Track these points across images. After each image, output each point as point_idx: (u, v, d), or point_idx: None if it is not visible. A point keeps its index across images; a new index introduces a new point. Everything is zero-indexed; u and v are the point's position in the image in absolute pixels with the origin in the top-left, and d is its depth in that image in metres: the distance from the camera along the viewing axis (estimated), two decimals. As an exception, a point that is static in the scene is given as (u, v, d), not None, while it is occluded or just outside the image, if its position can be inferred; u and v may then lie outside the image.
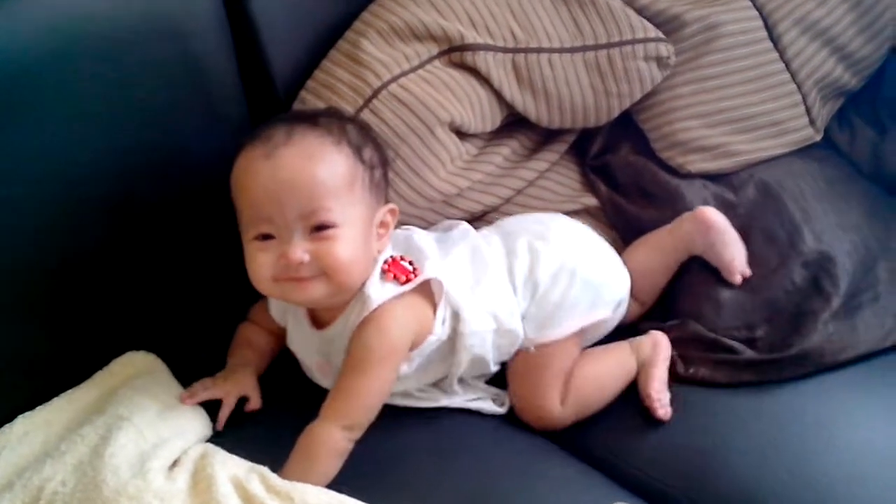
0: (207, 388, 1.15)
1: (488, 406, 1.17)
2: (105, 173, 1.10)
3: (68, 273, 1.12)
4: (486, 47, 1.26)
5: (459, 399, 1.16)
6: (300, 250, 1.01)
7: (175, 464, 1.04)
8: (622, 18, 1.30)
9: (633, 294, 1.26)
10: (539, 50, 1.28)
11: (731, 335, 1.20)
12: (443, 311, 1.11)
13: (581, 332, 1.18)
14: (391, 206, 1.12)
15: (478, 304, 1.13)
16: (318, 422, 1.06)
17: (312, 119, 1.08)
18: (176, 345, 1.21)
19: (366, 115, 1.20)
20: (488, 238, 1.20)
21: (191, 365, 1.19)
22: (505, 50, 1.27)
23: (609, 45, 1.29)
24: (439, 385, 1.16)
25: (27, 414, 1.11)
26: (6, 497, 1.01)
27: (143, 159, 1.12)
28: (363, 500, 0.99)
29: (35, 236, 1.07)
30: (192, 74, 1.15)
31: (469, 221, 1.28)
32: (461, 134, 1.26)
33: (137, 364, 1.19)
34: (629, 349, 1.20)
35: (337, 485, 1.02)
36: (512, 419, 1.18)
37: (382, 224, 1.10)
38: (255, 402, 1.15)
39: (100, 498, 0.98)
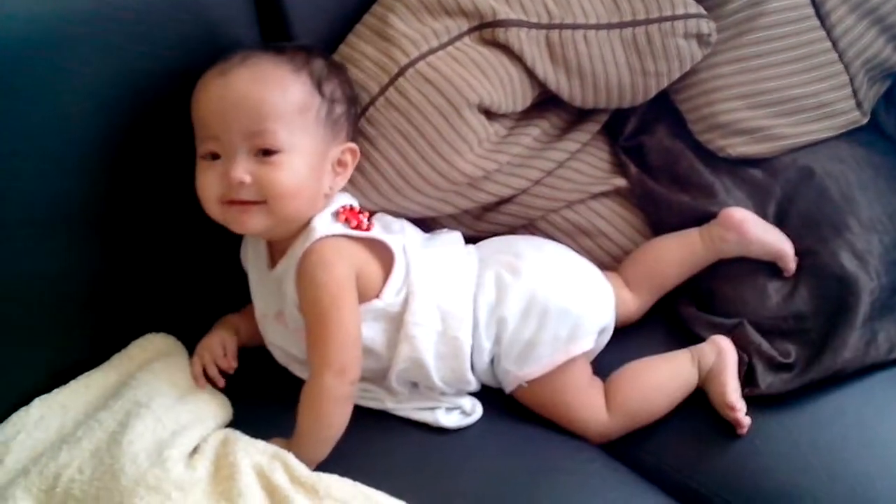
0: (195, 364, 1.14)
1: (441, 419, 1.11)
2: (126, 147, 1.09)
3: (86, 252, 1.10)
4: (520, 23, 1.21)
5: (406, 404, 1.12)
6: (241, 170, 1.02)
7: (195, 451, 1.02)
8: (662, -7, 1.24)
9: (632, 283, 1.23)
10: (574, 26, 1.22)
11: (779, 327, 1.16)
12: (399, 282, 1.10)
13: (573, 359, 1.13)
14: (351, 145, 1.11)
15: (432, 299, 1.10)
16: (311, 378, 1.06)
17: (278, 48, 1.08)
18: (194, 327, 1.19)
19: (391, 94, 1.16)
20: (470, 256, 1.18)
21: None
22: (539, 26, 1.22)
23: (647, 22, 1.24)
24: (385, 384, 1.12)
25: (44, 397, 1.09)
26: (22, 483, 1.00)
27: (164, 133, 1.10)
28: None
29: (48, 208, 1.05)
30: (214, 46, 1.11)
31: (497, 205, 1.26)
32: (490, 114, 1.22)
33: (156, 347, 1.17)
34: (689, 358, 1.15)
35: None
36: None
37: (340, 163, 1.10)
38: (229, 352, 1.15)
39: (118, 487, 0.97)
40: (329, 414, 1.04)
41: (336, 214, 1.09)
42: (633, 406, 1.13)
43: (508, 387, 1.15)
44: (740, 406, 1.09)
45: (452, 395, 1.13)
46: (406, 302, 1.09)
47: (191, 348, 1.17)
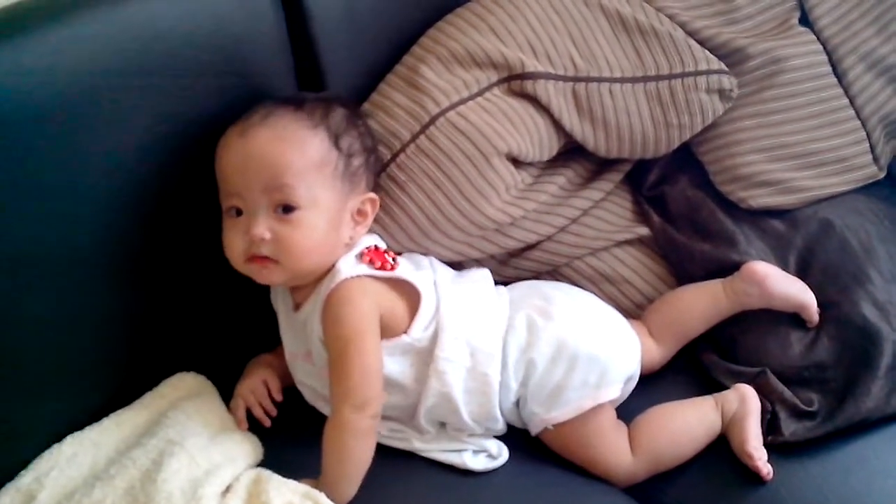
0: (239, 406, 1.15)
1: (468, 461, 1.11)
2: (157, 187, 1.11)
3: (118, 292, 1.12)
4: (547, 76, 1.24)
5: (435, 447, 1.13)
6: (263, 227, 1.05)
7: (227, 490, 1.03)
8: (685, 49, 1.28)
9: (655, 332, 1.24)
10: (600, 79, 1.26)
11: (801, 376, 1.18)
12: (428, 317, 1.12)
13: (600, 406, 1.14)
14: (371, 195, 1.13)
15: (462, 335, 1.12)
16: (332, 413, 1.07)
17: (298, 102, 1.11)
18: (224, 366, 1.20)
19: (422, 141, 1.19)
20: (500, 296, 1.20)
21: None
22: (566, 79, 1.25)
23: (671, 77, 1.27)
24: (412, 422, 1.14)
25: (76, 434, 1.10)
26: (56, 520, 1.00)
27: (196, 177, 1.12)
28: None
29: (85, 250, 1.07)
30: (252, 96, 1.13)
31: (522, 251, 1.28)
32: (517, 163, 1.24)
33: (187, 385, 1.18)
34: (713, 404, 1.16)
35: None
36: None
37: (360, 213, 1.12)
38: (273, 389, 1.17)
39: (152, 525, 0.97)
40: (350, 448, 1.05)
41: (360, 256, 1.11)
42: (658, 449, 1.14)
43: (535, 429, 1.16)
44: (759, 455, 1.10)
45: (479, 435, 1.15)
46: (435, 337, 1.11)
47: (220, 387, 1.18)
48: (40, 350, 1.07)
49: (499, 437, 1.16)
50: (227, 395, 1.17)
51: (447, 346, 1.11)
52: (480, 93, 1.23)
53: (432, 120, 1.20)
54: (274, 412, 1.16)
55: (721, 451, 1.14)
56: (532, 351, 1.14)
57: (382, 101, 1.23)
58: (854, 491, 1.07)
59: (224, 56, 1.11)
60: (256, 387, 1.17)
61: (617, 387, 1.16)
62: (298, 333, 1.15)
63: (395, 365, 1.11)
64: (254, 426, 1.14)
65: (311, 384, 1.16)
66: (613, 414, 1.18)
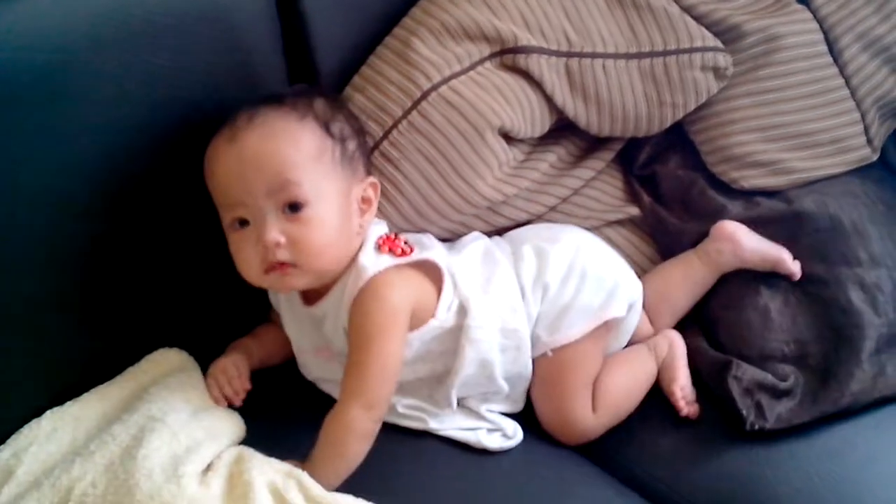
0: (212, 386, 1.13)
1: (483, 440, 1.11)
2: (143, 162, 1.09)
3: (101, 265, 1.10)
4: (540, 50, 1.22)
5: (450, 424, 1.12)
6: (275, 231, 1.01)
7: (208, 468, 1.01)
8: (680, 26, 1.26)
9: (649, 313, 1.25)
10: (593, 55, 1.24)
11: (781, 351, 1.18)
12: (449, 298, 1.10)
13: (599, 336, 1.16)
14: (371, 179, 1.11)
15: (487, 300, 1.12)
16: (338, 405, 1.05)
17: (278, 99, 1.07)
18: (206, 343, 1.19)
19: (414, 117, 1.17)
20: (499, 243, 1.20)
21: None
22: (559, 54, 1.23)
23: (665, 53, 1.26)
24: (435, 397, 1.13)
25: (55, 409, 1.08)
26: (34, 496, 0.99)
27: (184, 149, 1.09)
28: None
29: (70, 225, 1.05)
30: (238, 66, 1.12)
31: (512, 229, 1.26)
32: (509, 139, 1.23)
33: (169, 361, 1.16)
34: (647, 350, 1.21)
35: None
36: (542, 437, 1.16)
37: (364, 200, 1.10)
38: (242, 374, 1.14)
39: (132, 502, 0.96)
40: (348, 446, 1.04)
41: (378, 247, 1.09)
42: (615, 399, 1.17)
43: (534, 353, 1.16)
44: (683, 394, 1.17)
45: (496, 412, 1.15)
46: (460, 313, 1.11)
47: (203, 364, 1.16)
48: (21, 326, 1.05)
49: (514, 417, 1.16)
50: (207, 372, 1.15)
51: (476, 315, 1.10)
52: (472, 66, 1.21)
53: (424, 95, 1.18)
54: (241, 392, 1.12)
55: (715, 438, 1.14)
56: (545, 275, 1.15)
57: (373, 76, 1.21)
58: (842, 475, 1.07)
59: (209, 29, 1.08)
60: (227, 367, 1.14)
61: (621, 306, 1.17)
62: (309, 328, 1.13)
63: (423, 349, 1.10)
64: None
65: (327, 377, 1.15)
66: (601, 363, 1.18)
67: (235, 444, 1.07)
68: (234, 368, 1.14)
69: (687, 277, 1.26)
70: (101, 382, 1.12)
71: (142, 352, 1.16)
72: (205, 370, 1.16)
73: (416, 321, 1.08)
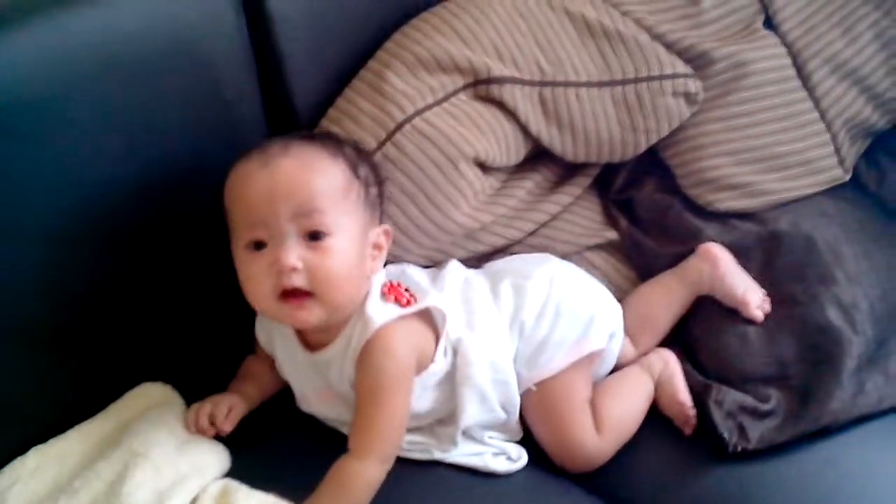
0: (192, 412, 1.13)
1: (489, 463, 1.12)
2: (125, 197, 1.09)
3: (83, 300, 1.10)
4: (514, 80, 1.24)
5: (456, 453, 1.12)
6: (294, 255, 1.00)
7: (194, 501, 1.02)
8: (650, 54, 1.28)
9: (630, 335, 1.25)
10: (566, 84, 1.26)
11: (762, 373, 1.18)
12: (444, 342, 1.11)
13: (581, 364, 1.16)
14: (385, 227, 1.12)
15: (473, 337, 1.12)
16: (354, 459, 1.04)
17: (310, 136, 1.11)
18: (190, 376, 1.19)
19: (388, 149, 1.19)
20: (476, 277, 1.21)
21: (204, 397, 1.16)
22: (532, 83, 1.25)
23: (637, 80, 1.28)
24: (439, 434, 1.14)
25: (39, 447, 1.08)
26: (19, 534, 0.99)
27: (163, 183, 1.11)
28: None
29: (51, 261, 1.06)
30: (214, 100, 1.14)
31: (490, 255, 1.28)
32: (484, 168, 1.24)
33: (152, 395, 1.17)
34: (640, 370, 1.22)
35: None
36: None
37: (376, 246, 1.10)
38: (227, 421, 1.12)
39: (116, 539, 0.96)
40: (358, 498, 1.03)
41: (384, 296, 1.09)
42: (617, 419, 1.17)
43: (518, 390, 1.16)
44: (690, 403, 1.16)
45: (499, 438, 1.15)
46: (454, 355, 1.12)
47: (187, 397, 1.16)
48: (3, 362, 1.05)
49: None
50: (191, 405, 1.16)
51: (468, 352, 1.11)
52: (446, 98, 1.22)
53: (398, 126, 1.19)
54: (220, 432, 1.12)
55: (696, 461, 1.14)
56: (521, 312, 1.15)
57: (348, 108, 1.22)
58: (824, 492, 1.08)
59: (186, 63, 1.10)
60: (220, 404, 1.14)
61: (600, 338, 1.17)
62: (310, 373, 1.12)
63: (426, 397, 1.11)
64: (221, 437, 1.12)
65: (334, 417, 1.14)
66: (590, 387, 1.19)
67: (220, 477, 1.07)
68: (227, 408, 1.14)
69: (665, 297, 1.27)
70: (85, 418, 1.12)
71: (125, 386, 1.16)
72: (188, 404, 1.15)
73: (418, 367, 1.09)
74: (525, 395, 1.16)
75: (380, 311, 1.06)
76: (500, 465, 1.12)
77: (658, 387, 1.20)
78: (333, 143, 1.09)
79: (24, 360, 1.07)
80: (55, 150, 1.02)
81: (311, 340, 1.11)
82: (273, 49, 1.19)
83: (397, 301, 1.08)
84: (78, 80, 1.02)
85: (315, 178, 1.03)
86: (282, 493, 1.02)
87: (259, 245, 1.03)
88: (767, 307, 1.23)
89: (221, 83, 1.14)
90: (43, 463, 1.07)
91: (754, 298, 1.23)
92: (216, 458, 1.09)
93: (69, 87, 1.01)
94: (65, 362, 1.12)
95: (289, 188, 1.01)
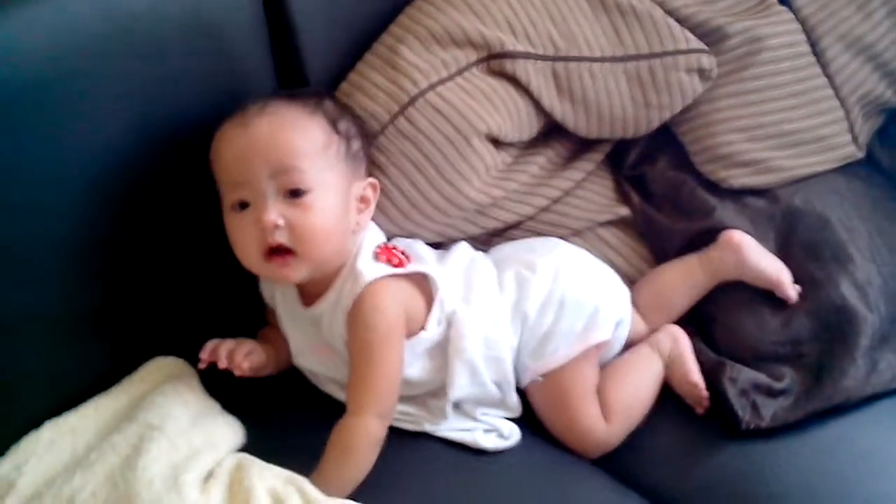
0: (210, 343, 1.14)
1: (479, 439, 1.12)
2: (138, 171, 1.09)
3: (97, 275, 1.11)
4: (527, 55, 1.23)
5: (445, 426, 1.13)
6: (274, 213, 1.03)
7: (209, 475, 1.02)
8: (664, 29, 1.28)
9: (643, 313, 1.25)
10: (580, 59, 1.25)
11: (776, 352, 1.19)
12: (438, 312, 1.12)
13: (587, 353, 1.16)
14: (372, 180, 1.13)
15: (469, 310, 1.13)
16: (351, 416, 1.06)
17: (290, 94, 1.11)
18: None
19: (401, 123, 1.18)
20: (483, 260, 1.21)
21: (217, 371, 1.15)
22: (545, 58, 1.24)
23: (650, 56, 1.27)
24: (430, 406, 1.14)
25: (54, 420, 1.09)
26: (35, 507, 0.99)
27: (177, 157, 1.11)
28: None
29: (64, 237, 1.06)
30: (228, 74, 1.14)
31: (503, 231, 1.28)
32: (497, 143, 1.24)
33: (166, 369, 1.17)
34: (649, 349, 1.21)
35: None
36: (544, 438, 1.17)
37: (362, 199, 1.12)
38: (246, 360, 1.13)
39: (132, 512, 0.97)
40: (362, 455, 1.05)
41: (376, 255, 1.11)
42: (627, 407, 1.17)
43: (524, 381, 1.17)
44: (703, 384, 1.16)
45: (492, 414, 1.15)
46: (447, 326, 1.12)
47: (199, 371, 1.17)
48: (15, 337, 1.05)
49: (512, 420, 1.16)
50: (206, 380, 1.16)
51: (460, 326, 1.12)
52: (459, 72, 1.22)
53: (411, 101, 1.19)
54: (238, 365, 1.12)
55: (704, 439, 1.15)
56: (524, 304, 1.15)
57: (360, 82, 1.22)
58: (836, 471, 1.09)
59: (200, 37, 1.09)
60: (241, 345, 1.14)
61: (606, 329, 1.17)
62: (307, 328, 1.15)
63: (416, 364, 1.12)
64: (235, 411, 1.13)
65: (325, 372, 1.16)
66: (596, 378, 1.19)
67: (235, 451, 1.08)
68: (248, 348, 1.14)
69: (686, 281, 1.26)
70: (99, 392, 1.13)
71: (138, 360, 1.17)
72: (202, 378, 1.16)
73: (407, 330, 1.10)
74: (532, 386, 1.17)
75: (370, 268, 1.08)
76: (490, 442, 1.12)
77: (668, 365, 1.20)
78: (313, 99, 1.10)
79: (39, 337, 1.07)
80: (71, 126, 1.02)
81: (306, 294, 1.13)
82: (287, 23, 1.18)
83: (389, 261, 1.11)
84: (91, 56, 1.01)
85: (291, 135, 1.05)
86: (295, 467, 1.03)
87: (243, 205, 1.05)
88: (797, 287, 1.22)
89: (235, 58, 1.14)
90: (58, 437, 1.07)
91: (787, 277, 1.22)
92: (230, 431, 1.09)
93: (82, 64, 1.01)
94: (79, 337, 1.12)
95: (265, 147, 1.04)
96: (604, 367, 1.21)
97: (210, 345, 1.13)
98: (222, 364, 1.12)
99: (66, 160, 1.03)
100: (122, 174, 1.08)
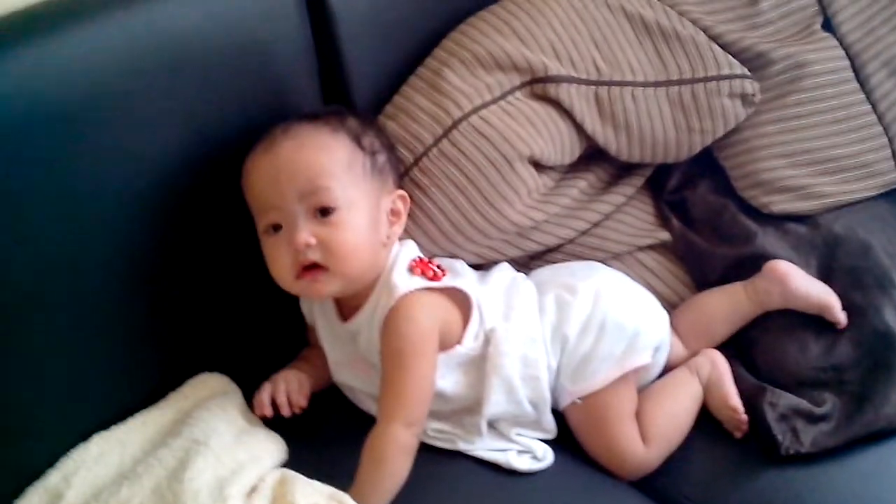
0: (265, 390, 1.15)
1: (512, 460, 1.12)
2: (184, 188, 1.12)
3: (143, 292, 1.13)
4: (570, 79, 1.25)
5: (480, 446, 1.13)
6: (306, 233, 1.05)
7: (252, 490, 1.04)
8: (707, 54, 1.28)
9: (684, 338, 1.25)
10: (622, 83, 1.26)
11: (818, 378, 1.18)
12: (476, 327, 1.13)
13: (627, 377, 1.17)
14: (401, 192, 1.15)
15: (508, 328, 1.14)
16: (380, 425, 1.07)
17: (312, 116, 1.12)
18: (246, 367, 1.21)
19: (444, 145, 1.20)
20: (524, 281, 1.22)
21: (259, 385, 1.18)
22: (588, 82, 1.26)
23: (693, 81, 1.28)
24: (465, 424, 1.14)
25: (102, 433, 1.11)
26: (84, 518, 1.01)
27: (226, 175, 1.12)
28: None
29: (113, 252, 1.08)
30: (274, 94, 1.16)
31: (542, 254, 1.29)
32: (539, 166, 1.25)
33: (210, 386, 1.19)
34: (688, 373, 1.21)
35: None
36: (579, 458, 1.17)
37: (393, 212, 1.13)
38: (303, 392, 1.16)
39: (179, 524, 0.98)
40: (393, 463, 1.06)
41: (411, 269, 1.12)
42: (665, 431, 1.17)
43: (562, 403, 1.17)
44: (743, 409, 1.15)
45: (527, 435, 1.15)
46: (486, 343, 1.13)
47: (243, 388, 1.19)
48: (66, 352, 1.07)
49: (546, 442, 1.16)
50: (249, 396, 1.18)
51: (501, 342, 1.13)
52: (503, 96, 1.23)
53: (455, 124, 1.20)
54: (295, 407, 1.15)
55: (743, 462, 1.14)
56: (564, 327, 1.16)
57: (405, 104, 1.24)
58: (875, 496, 1.08)
59: (248, 58, 1.12)
60: (290, 378, 1.17)
61: (646, 354, 1.17)
62: (345, 343, 1.16)
63: (450, 378, 1.12)
64: (277, 427, 1.15)
65: (363, 388, 1.17)
66: (635, 401, 1.19)
67: (278, 466, 1.09)
68: (297, 382, 1.17)
69: (730, 309, 1.25)
70: (145, 407, 1.15)
71: (183, 377, 1.19)
72: (245, 394, 1.18)
73: (441, 344, 1.11)
74: (570, 408, 1.17)
75: (404, 281, 1.10)
76: (524, 464, 1.12)
77: (707, 389, 1.20)
78: (335, 118, 1.12)
79: (87, 351, 1.09)
80: (122, 142, 1.04)
81: (343, 310, 1.15)
82: (334, 47, 1.20)
83: (423, 274, 1.12)
84: (145, 75, 1.04)
85: (317, 155, 1.07)
86: (336, 482, 1.04)
87: (276, 228, 1.07)
88: (845, 318, 1.21)
89: (281, 78, 1.16)
90: (106, 449, 1.10)
91: (835, 301, 1.21)
92: (273, 447, 1.11)
93: (132, 82, 1.03)
94: (125, 353, 1.14)
95: (291, 170, 1.06)
96: (642, 390, 1.21)
97: (266, 399, 1.15)
98: (287, 412, 1.14)
99: (115, 176, 1.05)
100: (169, 191, 1.10)
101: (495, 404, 1.13)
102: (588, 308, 1.17)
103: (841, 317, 1.21)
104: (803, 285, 1.23)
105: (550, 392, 1.16)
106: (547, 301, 1.18)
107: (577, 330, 1.16)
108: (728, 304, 1.26)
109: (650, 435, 1.16)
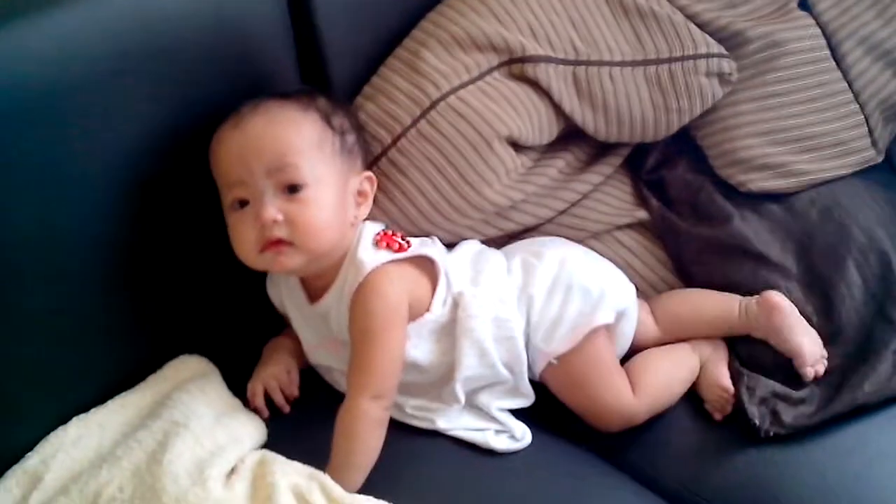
0: (258, 393, 1.16)
1: (490, 440, 1.12)
2: (164, 171, 1.11)
3: (121, 274, 1.12)
4: (548, 59, 1.25)
5: (457, 424, 1.13)
6: (273, 209, 1.05)
7: (232, 471, 1.04)
8: (684, 33, 1.29)
9: (662, 321, 1.26)
10: (600, 63, 1.27)
11: None
12: (443, 293, 1.14)
13: (598, 332, 1.17)
14: (368, 173, 1.15)
15: (477, 291, 1.14)
16: (349, 399, 1.08)
17: (283, 94, 1.12)
18: (225, 349, 1.21)
19: (423, 126, 1.20)
20: (491, 250, 1.23)
21: (240, 369, 1.19)
22: (566, 62, 1.26)
23: (671, 60, 1.28)
24: (442, 394, 1.14)
25: (81, 416, 1.11)
26: (62, 501, 1.02)
27: (200, 159, 1.12)
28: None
29: (93, 235, 1.08)
30: (252, 77, 1.15)
31: (520, 234, 1.29)
32: (517, 146, 1.25)
33: (190, 368, 1.19)
34: (690, 348, 1.23)
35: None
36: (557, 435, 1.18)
37: (360, 193, 1.13)
38: (294, 380, 1.18)
39: (158, 505, 0.98)
40: (363, 437, 1.06)
41: (376, 243, 1.12)
42: (655, 382, 1.19)
43: (539, 366, 1.17)
44: (732, 391, 1.17)
45: (507, 406, 1.16)
46: (454, 308, 1.13)
47: (222, 370, 1.19)
48: (44, 334, 1.07)
49: (525, 420, 1.16)
50: (229, 378, 1.18)
51: (470, 305, 1.13)
52: (481, 76, 1.23)
53: (433, 104, 1.20)
54: (292, 398, 1.17)
55: (728, 443, 1.15)
56: (529, 288, 1.17)
57: (383, 85, 1.23)
58: (854, 473, 1.09)
59: (226, 40, 1.11)
60: (280, 374, 1.17)
61: (608, 313, 1.17)
62: (318, 325, 1.16)
63: (423, 347, 1.13)
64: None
65: (338, 366, 1.17)
66: (614, 352, 1.20)
67: (257, 447, 1.09)
68: (286, 375, 1.17)
69: (720, 318, 1.24)
70: (124, 390, 1.15)
71: (162, 359, 1.19)
72: (224, 375, 1.18)
73: (411, 314, 1.11)
74: (549, 371, 1.17)
75: (371, 256, 1.10)
76: (502, 444, 1.13)
77: (703, 367, 1.21)
78: (306, 97, 1.12)
79: (66, 333, 1.09)
80: (101, 127, 1.04)
81: (311, 292, 1.15)
82: (311, 27, 1.20)
83: (389, 247, 1.12)
84: (124, 59, 1.03)
85: (284, 132, 1.07)
86: (315, 463, 1.04)
87: (243, 203, 1.07)
88: (821, 369, 1.17)
89: (260, 60, 1.16)
90: (84, 432, 1.09)
91: (809, 354, 1.17)
92: (253, 429, 1.11)
93: (112, 65, 1.03)
94: (104, 335, 1.13)
95: (259, 145, 1.06)
96: (645, 352, 1.23)
97: (260, 400, 1.15)
98: (287, 411, 1.15)
99: (94, 160, 1.05)
100: (148, 174, 1.10)
101: (468, 368, 1.12)
102: (553, 270, 1.18)
103: (805, 371, 1.17)
104: (786, 326, 1.20)
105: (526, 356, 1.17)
106: (513, 264, 1.19)
107: (544, 292, 1.16)
108: (720, 312, 1.25)
109: (641, 384, 1.18)
